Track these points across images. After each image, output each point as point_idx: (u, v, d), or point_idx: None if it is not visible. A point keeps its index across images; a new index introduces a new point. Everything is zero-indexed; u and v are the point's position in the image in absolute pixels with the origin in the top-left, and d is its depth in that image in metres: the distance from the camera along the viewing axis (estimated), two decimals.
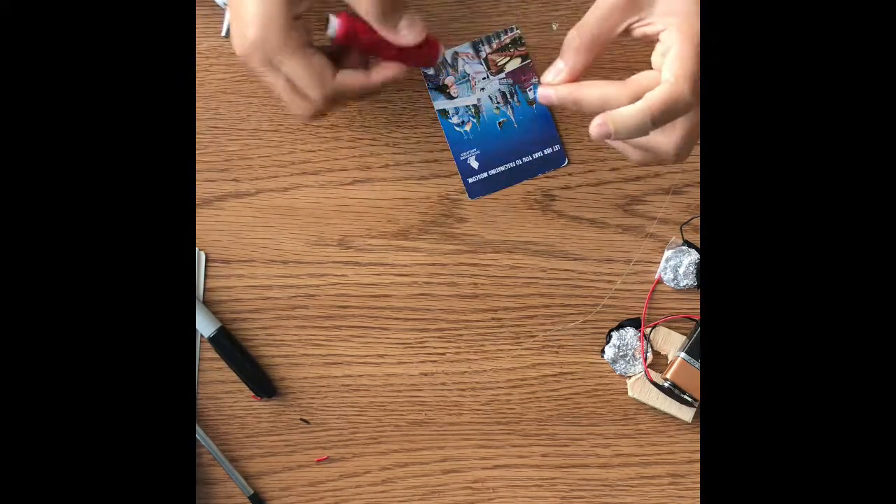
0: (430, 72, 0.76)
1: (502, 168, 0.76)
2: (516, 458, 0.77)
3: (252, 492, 0.77)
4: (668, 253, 0.77)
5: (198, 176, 0.76)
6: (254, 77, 0.71)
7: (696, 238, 0.77)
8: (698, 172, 0.76)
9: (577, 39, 0.66)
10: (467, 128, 0.76)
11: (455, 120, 0.76)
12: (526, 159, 0.76)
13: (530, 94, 0.76)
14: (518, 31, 0.76)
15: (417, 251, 0.77)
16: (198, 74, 0.76)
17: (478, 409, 0.77)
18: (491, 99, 0.76)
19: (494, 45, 0.76)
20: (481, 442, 0.77)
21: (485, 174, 0.76)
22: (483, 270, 0.77)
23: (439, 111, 0.75)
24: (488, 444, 0.77)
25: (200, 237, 0.76)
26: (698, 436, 0.77)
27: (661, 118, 0.61)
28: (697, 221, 0.77)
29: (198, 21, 0.76)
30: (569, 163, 0.76)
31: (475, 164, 0.76)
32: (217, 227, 0.77)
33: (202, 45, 0.76)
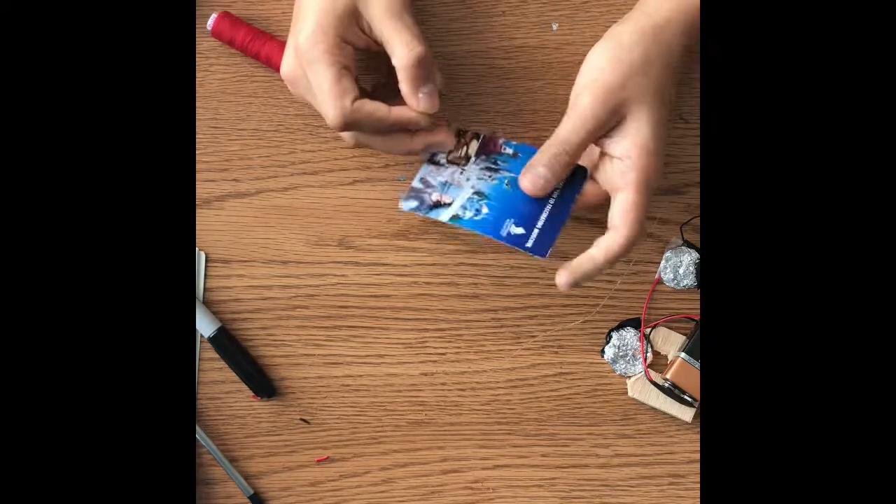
0: (413, 204, 0.71)
1: (544, 216, 0.70)
2: (516, 458, 0.77)
3: (252, 492, 0.77)
4: (668, 253, 0.77)
5: (198, 176, 0.76)
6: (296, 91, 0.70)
7: (696, 238, 0.77)
8: (698, 172, 0.76)
9: (564, 150, 0.69)
10: (485, 211, 0.70)
11: (469, 214, 0.70)
12: (555, 193, 0.71)
13: (508, 150, 0.73)
14: (454, 125, 0.73)
15: (417, 251, 0.77)
16: (198, 74, 0.76)
17: (478, 409, 0.77)
18: (481, 178, 0.72)
19: (448, 148, 0.72)
20: (481, 442, 0.77)
21: (535, 231, 0.70)
22: (483, 270, 0.77)
23: (451, 220, 0.70)
24: (488, 444, 0.77)
25: (200, 237, 0.76)
26: (698, 436, 0.77)
27: (613, 262, 0.68)
28: (697, 221, 0.77)
29: (197, 21, 0.76)
30: (591, 173, 0.71)
31: (520, 231, 0.70)
32: (217, 227, 0.77)
33: (202, 45, 0.76)
